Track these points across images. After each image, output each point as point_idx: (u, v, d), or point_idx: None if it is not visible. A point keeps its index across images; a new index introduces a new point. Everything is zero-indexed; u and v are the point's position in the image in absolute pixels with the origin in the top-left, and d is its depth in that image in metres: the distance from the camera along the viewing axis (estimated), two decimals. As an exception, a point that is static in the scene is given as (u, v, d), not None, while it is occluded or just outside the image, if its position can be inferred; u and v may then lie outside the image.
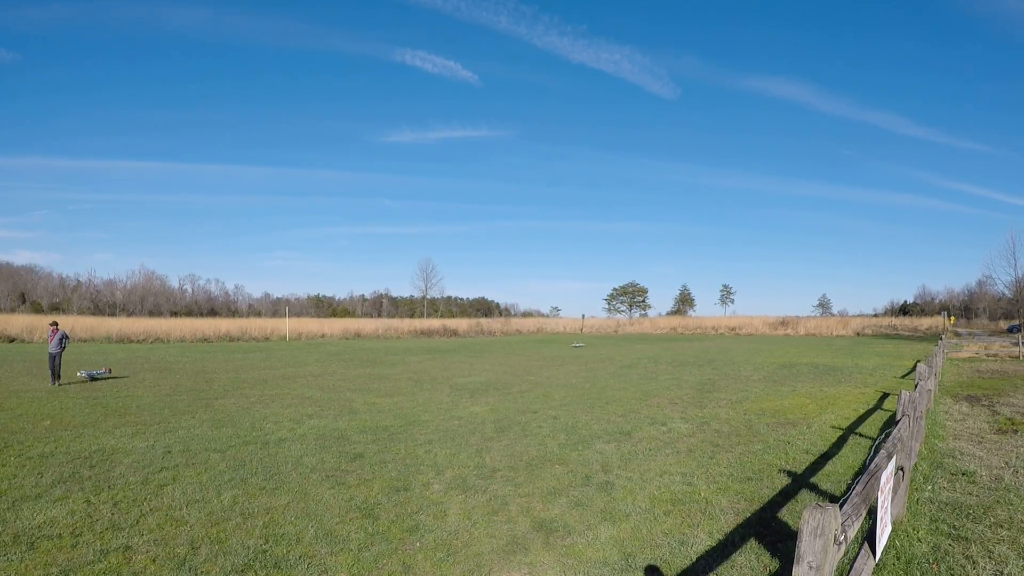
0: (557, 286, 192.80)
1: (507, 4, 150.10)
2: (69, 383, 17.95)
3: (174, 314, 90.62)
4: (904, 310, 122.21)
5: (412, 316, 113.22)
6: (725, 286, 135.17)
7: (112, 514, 6.48)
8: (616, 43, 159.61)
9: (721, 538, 6.04)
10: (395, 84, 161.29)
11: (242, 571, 5.12)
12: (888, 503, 4.76)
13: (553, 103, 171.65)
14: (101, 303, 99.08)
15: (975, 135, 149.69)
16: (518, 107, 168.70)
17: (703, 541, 5.96)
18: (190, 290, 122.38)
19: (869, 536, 4.62)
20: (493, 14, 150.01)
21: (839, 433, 11.29)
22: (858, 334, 68.51)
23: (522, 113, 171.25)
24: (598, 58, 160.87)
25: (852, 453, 9.73)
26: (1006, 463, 9.08)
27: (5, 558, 5.25)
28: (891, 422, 11.62)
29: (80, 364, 23.92)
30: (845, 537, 3.05)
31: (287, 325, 56.83)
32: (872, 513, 4.61)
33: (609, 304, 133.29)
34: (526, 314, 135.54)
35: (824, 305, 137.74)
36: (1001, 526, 6.36)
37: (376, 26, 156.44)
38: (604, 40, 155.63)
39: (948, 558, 5.50)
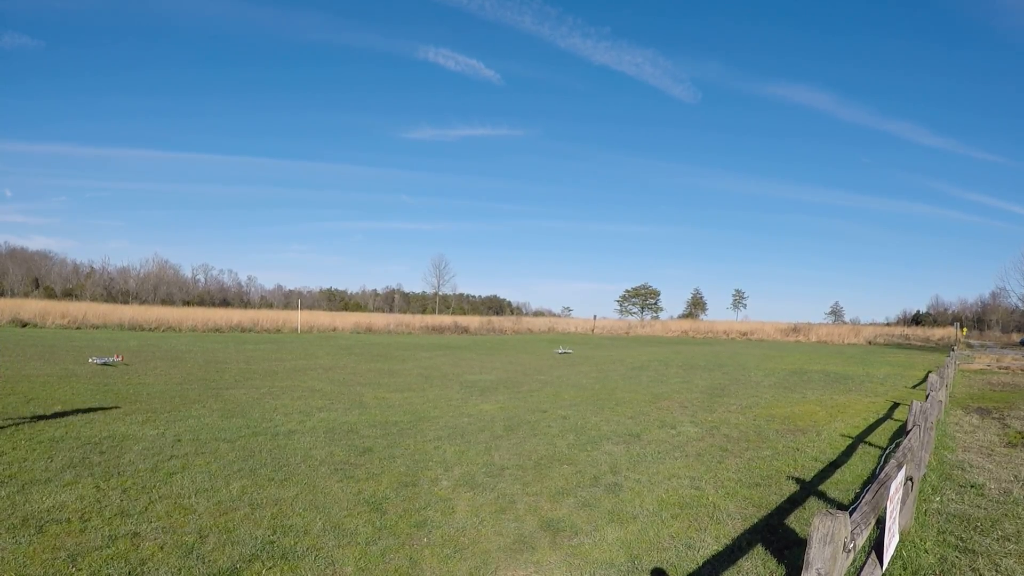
0: (569, 286, 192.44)
1: (532, 4, 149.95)
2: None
3: (186, 303, 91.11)
4: (916, 320, 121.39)
5: (424, 312, 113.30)
6: (738, 291, 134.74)
7: (121, 500, 6.52)
8: (639, 46, 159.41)
9: (728, 543, 6.03)
10: (417, 81, 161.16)
11: (249, 561, 5.15)
12: (897, 513, 4.74)
13: (574, 104, 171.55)
14: (114, 290, 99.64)
15: (993, 146, 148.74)
16: (539, 107, 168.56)
17: (710, 545, 5.95)
18: (203, 280, 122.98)
19: (876, 545, 4.60)
20: (517, 14, 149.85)
21: (848, 441, 11.24)
22: (870, 343, 68.07)
23: (543, 113, 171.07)
24: (620, 60, 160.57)
25: (861, 462, 9.70)
26: (1015, 476, 9.02)
27: (14, 541, 5.30)
28: (901, 432, 11.56)
29: (92, 350, 24.10)
30: (854, 545, 3.04)
31: (299, 317, 57.03)
32: (880, 522, 4.59)
33: (621, 305, 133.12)
34: (538, 313, 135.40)
35: (836, 313, 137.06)
36: (1009, 540, 6.32)
37: (400, 23, 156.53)
38: (627, 43, 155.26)
39: (955, 570, 5.48)
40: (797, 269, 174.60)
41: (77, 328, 42.15)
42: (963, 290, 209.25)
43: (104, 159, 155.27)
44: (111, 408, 11.88)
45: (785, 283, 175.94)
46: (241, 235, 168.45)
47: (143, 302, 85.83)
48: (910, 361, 37.12)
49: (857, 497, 7.51)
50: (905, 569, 5.44)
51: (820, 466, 9.33)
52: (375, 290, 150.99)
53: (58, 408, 11.62)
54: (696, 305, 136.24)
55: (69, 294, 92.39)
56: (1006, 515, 7.14)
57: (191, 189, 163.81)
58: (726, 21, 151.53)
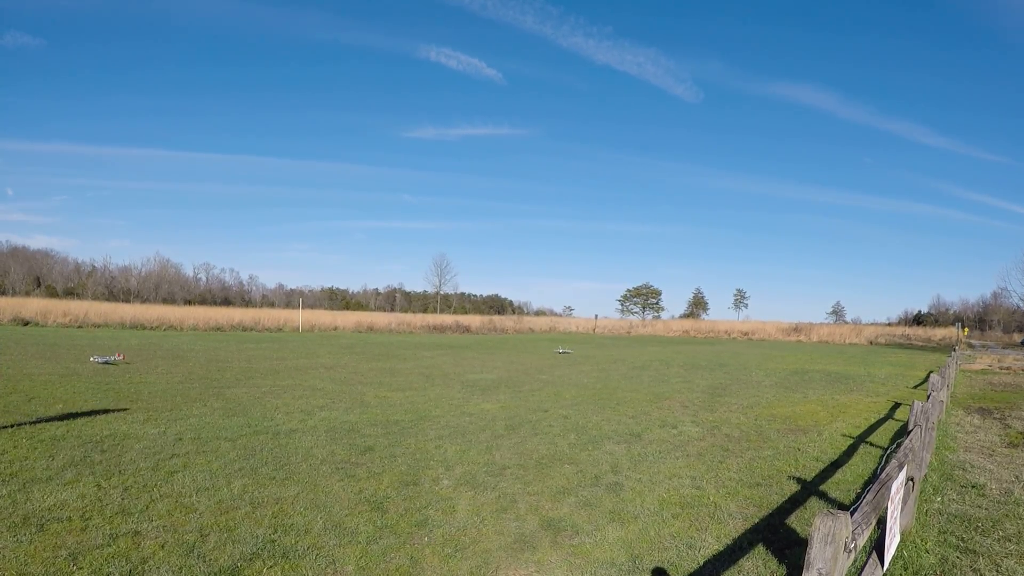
0: (571, 285, 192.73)
1: (533, 4, 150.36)
2: None
3: (188, 302, 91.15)
4: (918, 320, 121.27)
5: (425, 311, 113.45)
6: (739, 290, 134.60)
7: (122, 499, 6.53)
8: (641, 45, 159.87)
9: (729, 543, 6.03)
10: (419, 80, 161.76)
11: (250, 560, 5.15)
12: (898, 513, 4.74)
13: (576, 103, 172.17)
14: (116, 289, 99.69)
15: (995, 146, 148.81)
16: (541, 106, 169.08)
17: (711, 545, 5.95)
18: (204, 279, 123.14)
19: (877, 545, 4.60)
20: (519, 13, 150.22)
21: (850, 441, 11.24)
22: (871, 343, 67.96)
23: (544, 112, 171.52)
24: (622, 59, 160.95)
25: (862, 462, 9.70)
26: (1016, 477, 9.02)
27: (15, 539, 5.30)
28: (902, 432, 11.55)
29: (93, 349, 24.11)
30: (855, 546, 3.03)
31: (300, 316, 57.05)
32: (881, 522, 4.59)
33: (622, 305, 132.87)
34: (539, 313, 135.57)
35: (838, 312, 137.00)
36: (1010, 540, 6.32)
37: (401, 22, 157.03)
38: (629, 42, 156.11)
39: (955, 570, 5.47)
40: (798, 269, 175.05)
41: (78, 327, 42.16)
42: (964, 290, 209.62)
43: (105, 158, 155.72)
44: (112, 407, 11.88)
45: (786, 283, 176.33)
46: (243, 234, 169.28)
47: (144, 301, 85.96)
48: (911, 361, 37.10)
49: (858, 497, 7.51)
50: (906, 569, 5.43)
51: (821, 466, 9.33)
52: (376, 289, 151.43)
53: (59, 407, 11.63)
54: (697, 305, 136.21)
55: (70, 293, 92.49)
56: (1007, 515, 7.13)
57: (193, 188, 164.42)
58: (728, 21, 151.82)
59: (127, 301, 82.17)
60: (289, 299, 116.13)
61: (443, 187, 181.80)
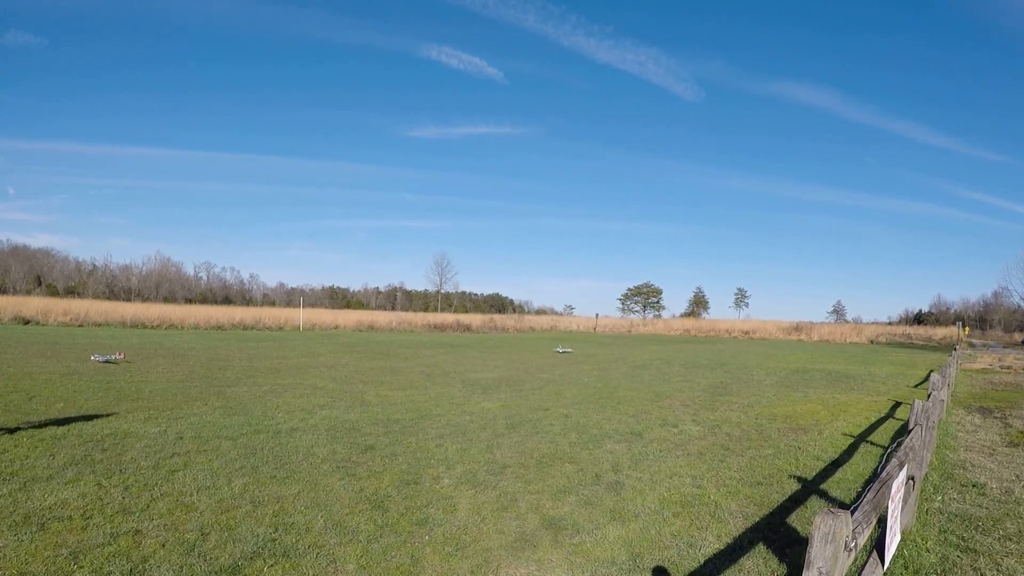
0: (571, 284, 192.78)
1: (535, 3, 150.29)
2: None
3: (189, 301, 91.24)
4: (919, 319, 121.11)
5: (426, 310, 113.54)
6: (740, 289, 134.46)
7: (123, 498, 6.53)
8: (642, 44, 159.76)
9: (729, 542, 6.03)
10: (420, 79, 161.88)
11: (251, 559, 5.15)
12: (898, 512, 4.73)
13: (577, 102, 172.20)
14: (116, 288, 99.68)
15: (996, 145, 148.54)
16: (542, 106, 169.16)
17: (711, 544, 5.95)
18: (205, 278, 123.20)
19: (878, 544, 4.60)
20: (520, 12, 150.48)
21: (850, 440, 11.23)
22: (872, 342, 67.87)
23: (546, 112, 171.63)
24: (624, 59, 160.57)
25: (863, 461, 9.69)
26: (1017, 476, 9.01)
27: (16, 538, 5.30)
28: (903, 431, 11.56)
29: (94, 348, 24.11)
30: (855, 544, 3.03)
31: (301, 315, 57.02)
32: (882, 521, 4.58)
33: (623, 304, 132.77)
34: (540, 311, 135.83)
35: (839, 312, 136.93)
36: (1010, 539, 6.32)
37: (403, 21, 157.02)
38: (630, 41, 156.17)
39: (956, 569, 5.47)
40: (799, 268, 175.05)
41: (79, 326, 42.14)
42: (965, 289, 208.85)
43: (106, 157, 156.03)
44: (113, 406, 11.88)
45: (787, 282, 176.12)
46: (243, 233, 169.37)
47: (145, 300, 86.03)
48: (912, 360, 37.07)
49: (859, 496, 7.51)
50: (907, 568, 5.43)
51: (822, 465, 9.33)
52: (377, 288, 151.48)
53: (60, 406, 11.63)
54: (698, 304, 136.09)
55: (71, 292, 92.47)
56: (1008, 514, 7.13)
57: (193, 187, 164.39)
58: (729, 20, 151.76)
59: (128, 300, 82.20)
60: (290, 298, 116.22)
61: (444, 186, 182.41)
